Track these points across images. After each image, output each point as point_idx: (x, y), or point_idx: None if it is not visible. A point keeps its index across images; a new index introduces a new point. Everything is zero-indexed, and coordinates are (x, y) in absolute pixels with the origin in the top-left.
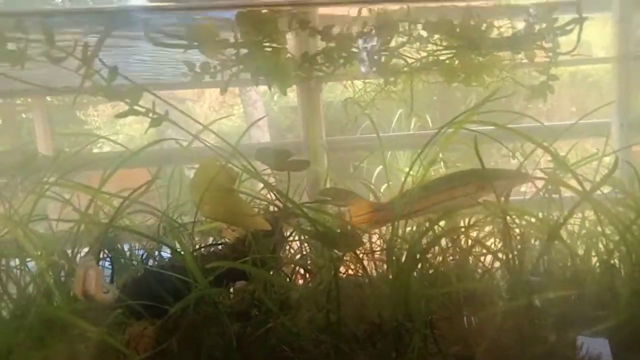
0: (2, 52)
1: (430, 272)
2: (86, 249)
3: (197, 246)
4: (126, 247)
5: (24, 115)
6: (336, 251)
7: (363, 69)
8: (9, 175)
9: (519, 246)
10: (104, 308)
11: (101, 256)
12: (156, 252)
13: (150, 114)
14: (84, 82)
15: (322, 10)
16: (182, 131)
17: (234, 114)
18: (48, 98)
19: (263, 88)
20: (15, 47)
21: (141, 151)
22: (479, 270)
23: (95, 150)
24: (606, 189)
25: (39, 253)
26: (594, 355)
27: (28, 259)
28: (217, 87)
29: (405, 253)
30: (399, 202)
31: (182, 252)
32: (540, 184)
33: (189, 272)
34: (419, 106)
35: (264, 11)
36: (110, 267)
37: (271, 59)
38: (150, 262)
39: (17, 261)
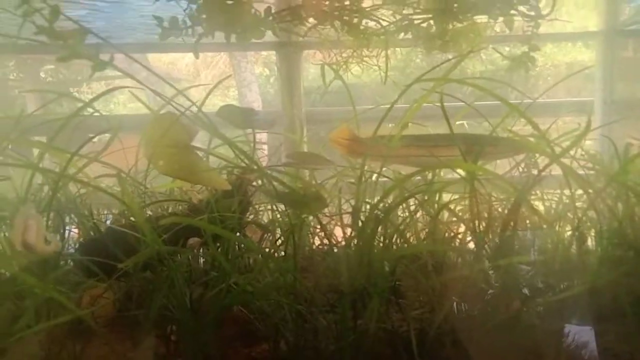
0: None
1: (396, 237)
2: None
3: (149, 203)
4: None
5: (17, 92)
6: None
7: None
8: None
9: (487, 214)
10: (45, 258)
11: (67, 220)
12: (123, 220)
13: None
14: (24, 22)
15: None
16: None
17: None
18: (42, 74)
19: (258, 70)
20: None
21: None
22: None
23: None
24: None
25: None
26: (581, 343)
27: None
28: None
29: (368, 215)
30: (379, 140)
31: (130, 207)
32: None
33: (140, 230)
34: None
35: None
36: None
37: (231, 12)
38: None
39: None
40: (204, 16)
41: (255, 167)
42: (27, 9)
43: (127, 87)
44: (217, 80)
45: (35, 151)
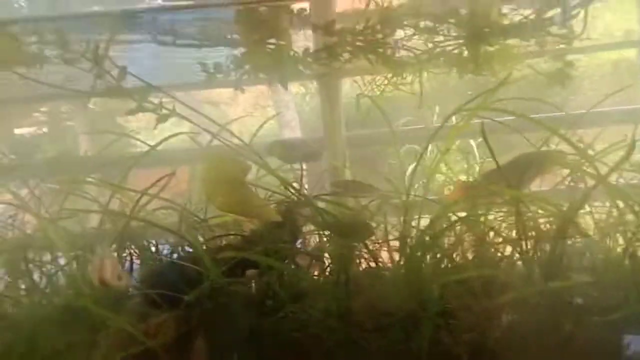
0: (21, 54)
1: (445, 260)
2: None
3: (209, 239)
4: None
5: (68, 123)
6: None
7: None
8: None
9: (534, 233)
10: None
11: (126, 252)
12: (180, 248)
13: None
14: (96, 82)
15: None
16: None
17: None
18: (90, 105)
19: (294, 89)
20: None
21: (154, 148)
22: (496, 259)
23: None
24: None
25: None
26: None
27: (59, 254)
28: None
29: (417, 240)
30: (484, 182)
31: (193, 244)
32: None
33: (202, 263)
34: (454, 100)
35: (262, 9)
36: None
37: (272, 56)
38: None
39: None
40: (247, 62)
41: (302, 198)
42: (99, 71)
43: (189, 132)
44: (254, 101)
45: None
